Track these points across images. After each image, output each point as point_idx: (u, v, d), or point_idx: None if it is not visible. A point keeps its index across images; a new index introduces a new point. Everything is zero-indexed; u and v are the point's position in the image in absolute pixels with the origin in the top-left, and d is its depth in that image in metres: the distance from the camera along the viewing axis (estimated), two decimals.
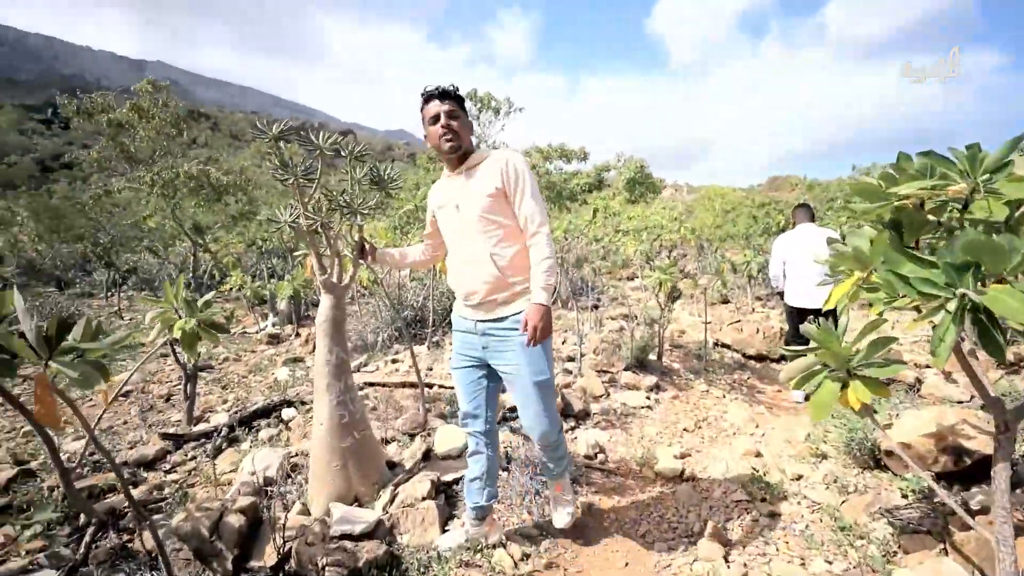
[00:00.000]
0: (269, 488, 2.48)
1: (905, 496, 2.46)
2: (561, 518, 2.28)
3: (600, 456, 3.15)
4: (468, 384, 2.09)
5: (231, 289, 6.69)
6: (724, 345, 5.66)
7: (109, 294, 9.34)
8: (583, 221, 4.74)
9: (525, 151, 4.85)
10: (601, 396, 4.09)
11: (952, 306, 1.05)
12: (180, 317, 2.39)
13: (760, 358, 5.38)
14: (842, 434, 3.03)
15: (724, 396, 4.34)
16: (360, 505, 2.35)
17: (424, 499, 2.32)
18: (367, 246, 2.32)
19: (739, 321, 5.99)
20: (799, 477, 2.89)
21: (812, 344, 1.67)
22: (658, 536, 2.41)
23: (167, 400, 4.05)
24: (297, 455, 2.88)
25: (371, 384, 4.45)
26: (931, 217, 1.29)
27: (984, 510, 2.14)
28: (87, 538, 2.13)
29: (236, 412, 3.63)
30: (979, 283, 1.04)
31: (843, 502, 2.57)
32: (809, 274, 4.14)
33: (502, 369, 1.99)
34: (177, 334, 2.31)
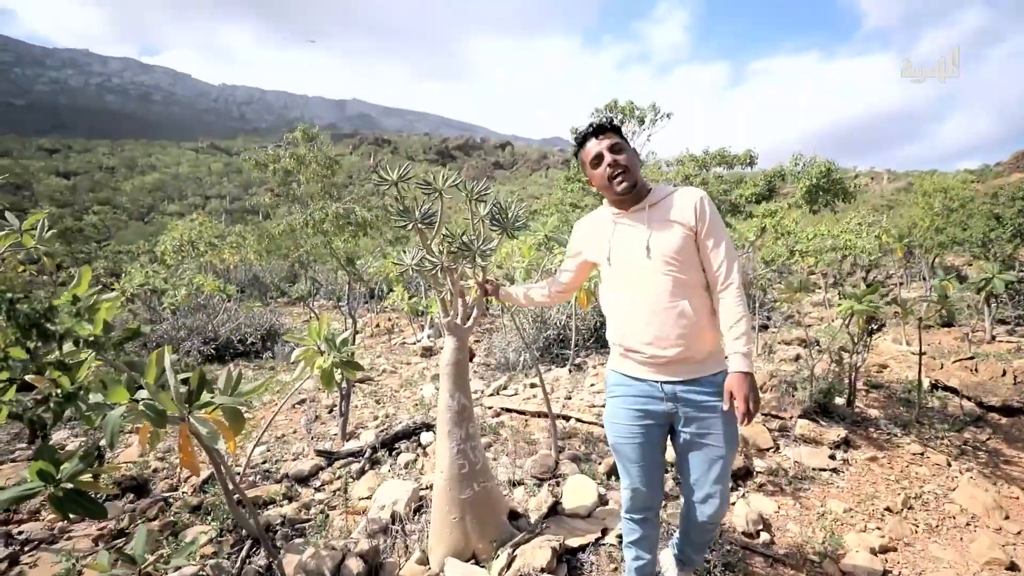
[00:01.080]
0: (394, 526, 2.48)
1: None
2: None
3: (764, 535, 2.56)
4: (646, 464, 1.76)
5: (392, 303, 7.32)
6: (948, 388, 4.37)
7: (307, 302, 11.05)
8: (746, 237, 4.04)
9: (677, 159, 4.32)
10: (768, 450, 3.41)
11: None
12: (322, 353, 2.54)
13: (1008, 411, 4.01)
14: None
15: (950, 464, 3.29)
16: (477, 563, 2.21)
17: (543, 571, 2.08)
18: (490, 286, 2.23)
19: (973, 357, 4.57)
20: None
21: None
22: None
23: (331, 411, 4.50)
24: (427, 488, 2.88)
25: (508, 410, 4.38)
26: None
27: None
28: (243, 552, 2.35)
29: (382, 431, 3.84)
30: None
31: None
32: None
33: (692, 438, 1.70)
34: (317, 372, 2.45)
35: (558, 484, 2.88)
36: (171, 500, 2.95)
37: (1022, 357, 5.00)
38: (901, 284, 10.61)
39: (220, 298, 7.40)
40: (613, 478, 3.01)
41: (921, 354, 3.95)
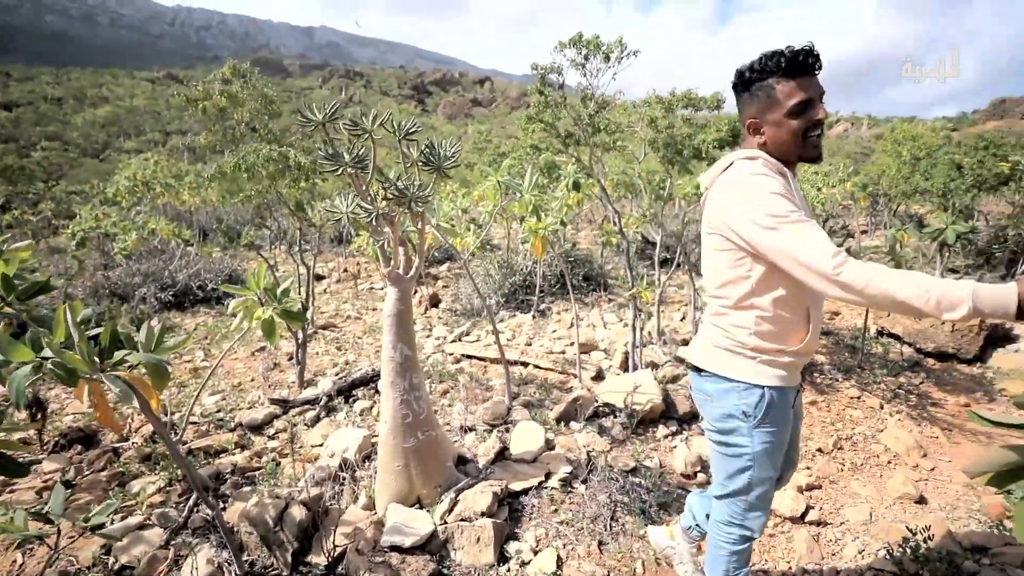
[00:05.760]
0: (343, 473, 2.52)
1: None
2: None
3: (701, 475, 2.69)
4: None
5: (357, 248, 7.16)
6: (892, 335, 4.55)
7: (272, 246, 10.74)
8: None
9: (644, 101, 4.16)
10: None
11: None
12: (262, 304, 2.46)
13: (943, 356, 4.22)
14: None
15: (882, 407, 3.48)
16: (421, 507, 2.27)
17: (483, 514, 2.16)
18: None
19: None
20: (980, 549, 2.15)
21: None
22: None
23: (291, 359, 4.47)
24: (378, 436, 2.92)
25: (468, 356, 4.41)
26: None
27: None
28: (191, 501, 2.36)
29: (340, 378, 3.84)
30: None
31: None
32: None
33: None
34: (255, 323, 2.38)
35: (508, 430, 2.95)
36: (120, 451, 2.93)
37: None
38: (865, 232, 10.84)
39: (176, 243, 7.12)
40: (563, 423, 3.09)
41: None
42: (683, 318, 5.22)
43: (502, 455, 2.70)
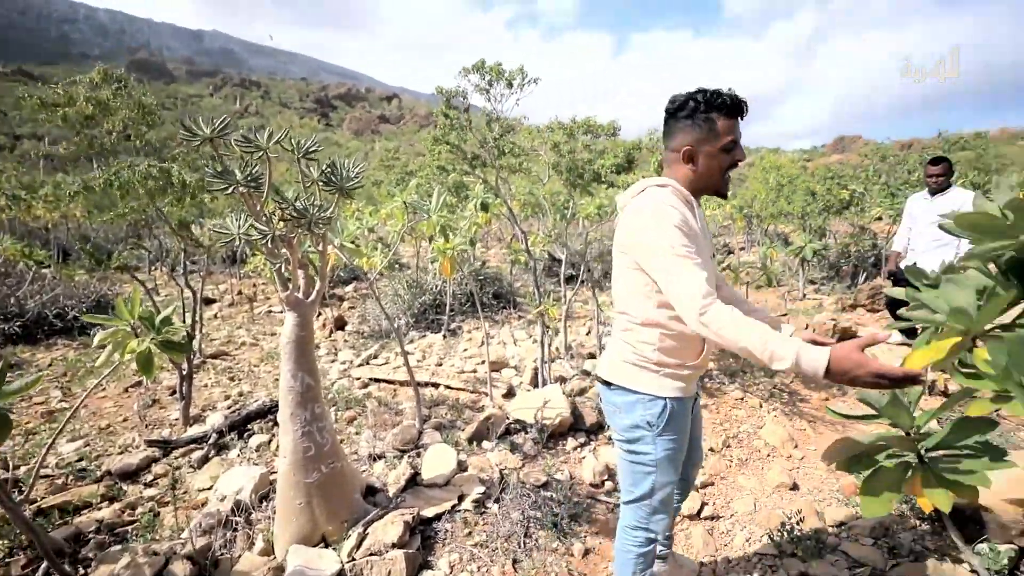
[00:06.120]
0: (236, 518, 2.30)
1: (974, 574, 2.00)
2: None
3: (608, 484, 2.81)
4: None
5: (253, 269, 6.66)
6: None
7: (152, 268, 9.67)
8: (595, 207, 4.26)
9: (547, 126, 4.38)
10: None
11: None
12: (136, 335, 2.20)
13: None
14: None
15: (761, 406, 3.87)
16: (327, 546, 2.14)
17: (394, 545, 2.08)
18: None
19: (786, 314, 5.39)
20: (840, 524, 2.46)
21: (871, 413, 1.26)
22: None
23: (173, 393, 4.02)
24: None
25: (376, 380, 4.26)
26: None
27: None
28: (40, 572, 2.02)
29: (233, 411, 3.52)
30: None
31: (893, 566, 2.13)
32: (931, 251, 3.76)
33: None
34: (128, 357, 2.12)
35: (419, 455, 2.88)
36: None
37: (821, 312, 6.01)
38: (743, 249, 12.13)
39: (27, 264, 6.13)
40: (475, 443, 3.08)
41: None
42: (588, 332, 5.46)
43: (414, 481, 2.63)
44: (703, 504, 2.66)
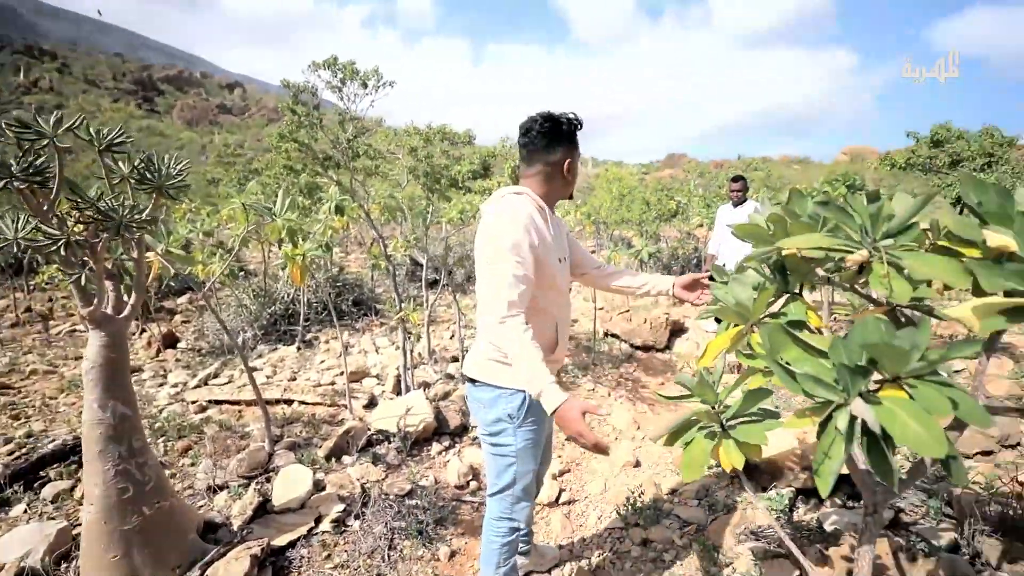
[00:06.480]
0: None
1: (770, 511, 2.44)
2: None
3: (473, 483, 2.87)
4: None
5: (47, 280, 5.48)
6: (614, 335, 5.65)
7: None
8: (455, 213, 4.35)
9: (404, 130, 4.32)
10: None
11: (842, 422, 0.81)
12: None
13: (647, 348, 5.43)
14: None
15: (609, 394, 4.27)
16: None
17: None
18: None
19: (628, 310, 6.02)
20: (673, 491, 2.83)
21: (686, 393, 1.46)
22: None
23: None
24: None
25: (217, 402, 3.79)
26: (821, 272, 1.08)
27: (836, 534, 2.15)
28: None
29: (17, 458, 2.86)
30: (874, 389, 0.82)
31: (712, 520, 2.51)
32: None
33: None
34: None
35: (269, 480, 2.63)
36: None
37: (658, 307, 6.84)
38: (594, 252, 13.26)
39: None
40: (334, 459, 2.91)
41: (597, 309, 4.99)
42: (452, 336, 5.50)
43: (264, 509, 2.39)
44: (560, 491, 2.85)
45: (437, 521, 2.44)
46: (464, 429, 3.40)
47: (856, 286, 0.92)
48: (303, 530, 2.25)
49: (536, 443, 1.69)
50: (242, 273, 7.49)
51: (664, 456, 3.30)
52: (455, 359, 4.65)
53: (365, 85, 3.66)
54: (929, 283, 0.88)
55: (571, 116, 1.61)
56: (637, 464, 3.20)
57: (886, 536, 2.04)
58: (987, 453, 2.83)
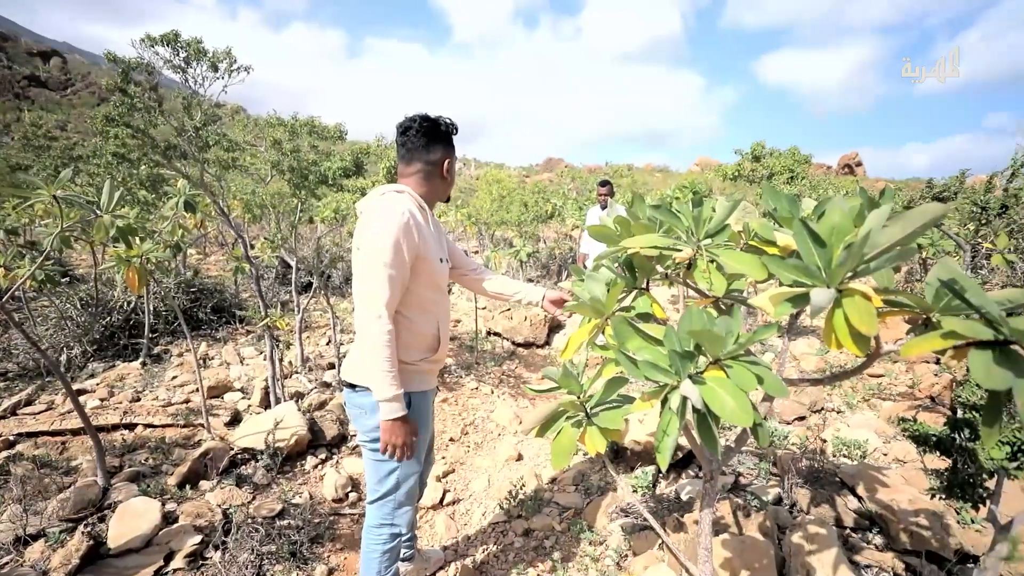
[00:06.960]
0: None
1: (636, 491, 2.68)
2: None
3: (352, 495, 2.74)
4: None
5: None
6: (496, 333, 5.77)
7: None
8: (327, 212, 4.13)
9: (266, 120, 3.97)
10: None
11: (675, 402, 0.92)
12: None
13: (528, 344, 5.64)
14: None
15: (492, 392, 4.36)
16: None
17: None
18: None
19: (509, 309, 6.20)
20: (553, 480, 2.97)
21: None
22: None
23: None
24: None
25: (31, 435, 3.17)
26: (660, 269, 1.21)
27: (690, 502, 2.44)
28: None
29: None
30: (700, 370, 0.94)
31: (588, 503, 2.69)
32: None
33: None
34: None
35: (104, 519, 2.26)
36: None
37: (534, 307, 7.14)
38: (477, 252, 13.42)
39: None
40: (189, 486, 2.59)
41: (479, 309, 5.06)
42: (328, 342, 5.21)
43: (96, 554, 2.05)
44: (445, 491, 2.85)
45: (312, 539, 2.30)
46: (343, 439, 3.23)
47: (688, 280, 1.06)
48: (149, 572, 1.97)
49: (421, 444, 1.69)
50: (66, 279, 6.32)
51: (545, 448, 3.45)
52: (331, 366, 4.40)
53: (215, 68, 3.30)
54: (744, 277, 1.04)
55: (448, 119, 1.65)
56: (520, 458, 3.30)
57: (728, 497, 2.35)
58: (802, 418, 3.41)
